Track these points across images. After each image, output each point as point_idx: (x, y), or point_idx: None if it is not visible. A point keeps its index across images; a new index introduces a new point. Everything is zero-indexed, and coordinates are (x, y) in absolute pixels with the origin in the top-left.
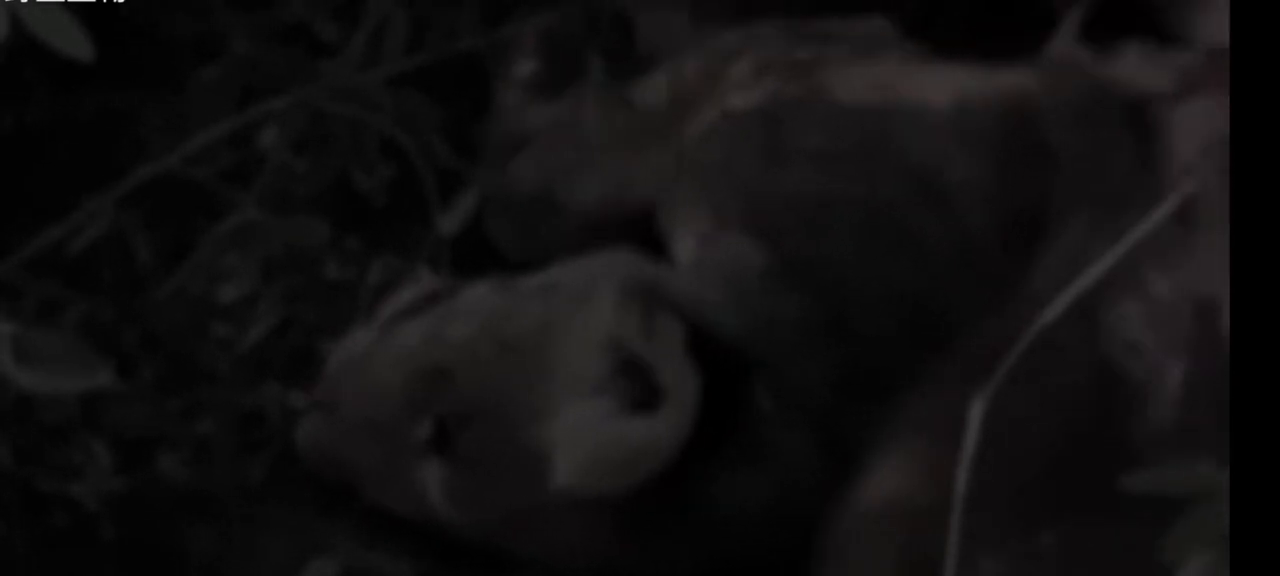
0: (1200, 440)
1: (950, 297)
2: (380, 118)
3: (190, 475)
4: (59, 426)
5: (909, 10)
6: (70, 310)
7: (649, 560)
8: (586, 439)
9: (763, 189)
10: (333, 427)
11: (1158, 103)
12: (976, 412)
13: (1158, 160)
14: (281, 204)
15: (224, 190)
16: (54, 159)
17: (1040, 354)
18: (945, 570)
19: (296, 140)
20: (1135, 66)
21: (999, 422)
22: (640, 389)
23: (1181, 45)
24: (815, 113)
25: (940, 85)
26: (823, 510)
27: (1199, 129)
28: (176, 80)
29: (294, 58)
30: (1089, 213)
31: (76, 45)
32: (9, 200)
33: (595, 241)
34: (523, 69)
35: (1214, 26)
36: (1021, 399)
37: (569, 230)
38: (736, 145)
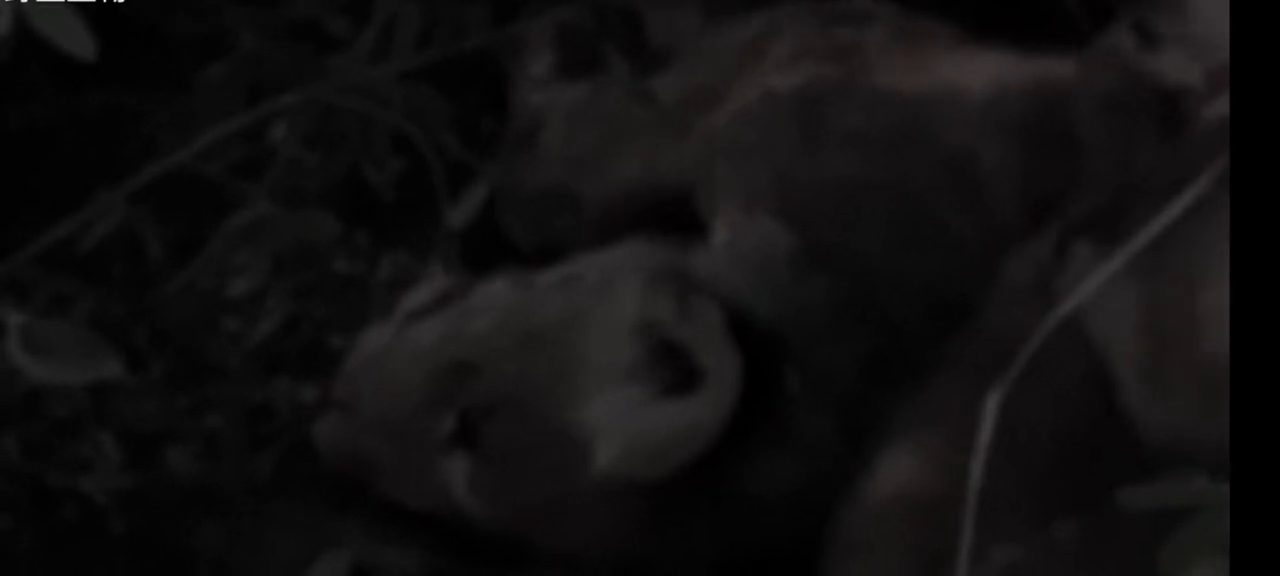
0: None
1: (977, 286)
2: (390, 112)
3: (199, 470)
4: (68, 421)
5: None
6: (80, 305)
7: (676, 548)
8: (626, 424)
9: (798, 172)
10: (351, 425)
11: (1189, 97)
12: (992, 405)
13: (1183, 156)
14: (291, 199)
15: (234, 185)
16: (63, 156)
17: (1054, 346)
18: (959, 560)
19: (306, 135)
20: (1173, 60)
21: (1014, 414)
22: (675, 372)
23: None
24: (855, 96)
25: (977, 71)
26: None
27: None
28: (184, 77)
29: (302, 53)
30: (1109, 206)
31: (79, 42)
32: (19, 196)
33: (611, 233)
34: (538, 63)
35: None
36: (1036, 391)
37: (585, 222)
38: (774, 127)
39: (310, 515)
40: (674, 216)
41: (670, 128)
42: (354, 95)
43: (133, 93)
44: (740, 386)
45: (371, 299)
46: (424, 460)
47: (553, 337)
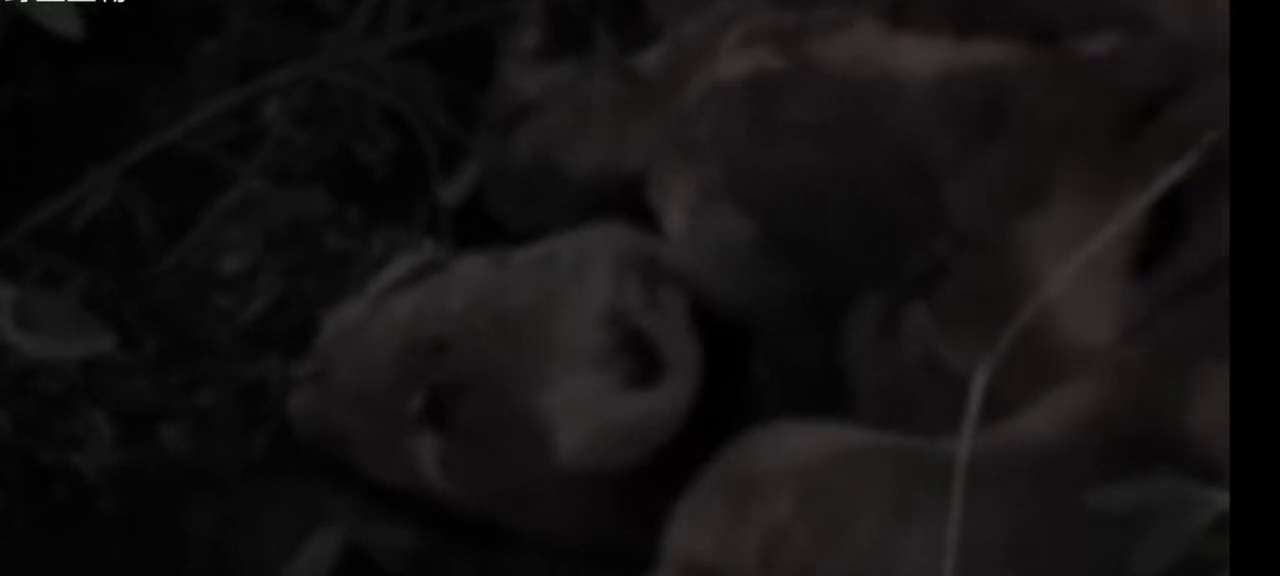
0: None
1: (932, 276)
2: (382, 90)
3: (191, 447)
4: (60, 397)
5: None
6: (72, 282)
7: (648, 535)
8: (590, 412)
9: (751, 163)
10: (325, 399)
11: None
12: (979, 381)
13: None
14: (283, 176)
15: (226, 163)
16: (56, 134)
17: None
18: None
19: (298, 113)
20: (1112, 47)
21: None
22: (640, 361)
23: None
24: (803, 87)
25: (923, 57)
26: None
27: (1165, 114)
28: (177, 55)
29: (295, 31)
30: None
31: (66, 23)
32: (12, 174)
33: (593, 211)
34: (526, 39)
35: None
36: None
37: (568, 200)
38: (725, 119)
39: (302, 492)
40: (640, 200)
41: (644, 108)
42: (346, 72)
43: (126, 70)
44: (702, 378)
45: (363, 276)
46: (394, 437)
47: (523, 319)
